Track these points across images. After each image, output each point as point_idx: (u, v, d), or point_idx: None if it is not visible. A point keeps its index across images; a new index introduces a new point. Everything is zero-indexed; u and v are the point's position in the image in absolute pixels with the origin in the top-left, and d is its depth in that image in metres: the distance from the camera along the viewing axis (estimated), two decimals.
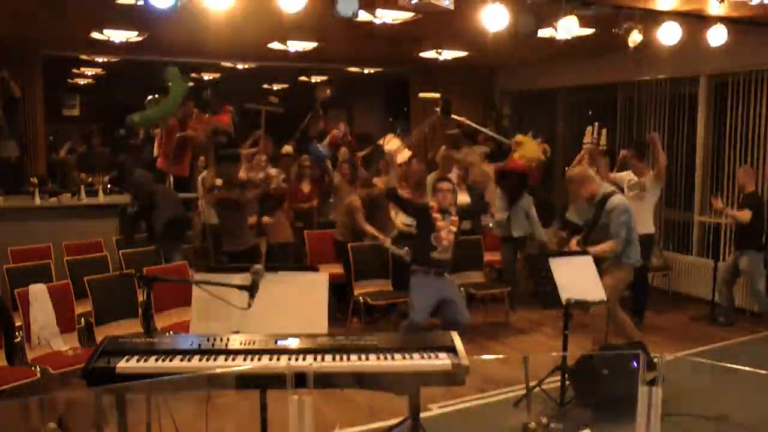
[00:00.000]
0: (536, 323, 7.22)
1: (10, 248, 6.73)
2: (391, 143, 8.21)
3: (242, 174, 7.35)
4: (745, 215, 6.91)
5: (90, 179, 8.88)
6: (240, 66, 10.72)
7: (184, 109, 8.64)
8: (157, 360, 3.19)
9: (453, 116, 8.46)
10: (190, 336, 3.55)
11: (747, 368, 3.46)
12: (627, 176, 7.11)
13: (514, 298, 7.43)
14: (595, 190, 5.60)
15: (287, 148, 8.92)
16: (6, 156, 8.55)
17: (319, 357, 3.24)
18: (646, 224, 7.00)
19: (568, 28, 5.61)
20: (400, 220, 7.28)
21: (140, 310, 5.36)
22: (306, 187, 8.17)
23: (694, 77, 8.27)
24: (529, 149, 7.77)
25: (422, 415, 4.20)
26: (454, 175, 7.37)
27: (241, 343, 3.35)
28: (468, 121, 8.60)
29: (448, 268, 6.14)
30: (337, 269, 7.21)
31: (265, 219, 7.22)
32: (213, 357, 3.23)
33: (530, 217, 7.48)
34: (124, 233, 7.62)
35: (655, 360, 3.30)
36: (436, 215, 5.96)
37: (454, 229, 6.02)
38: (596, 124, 7.39)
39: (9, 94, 8.46)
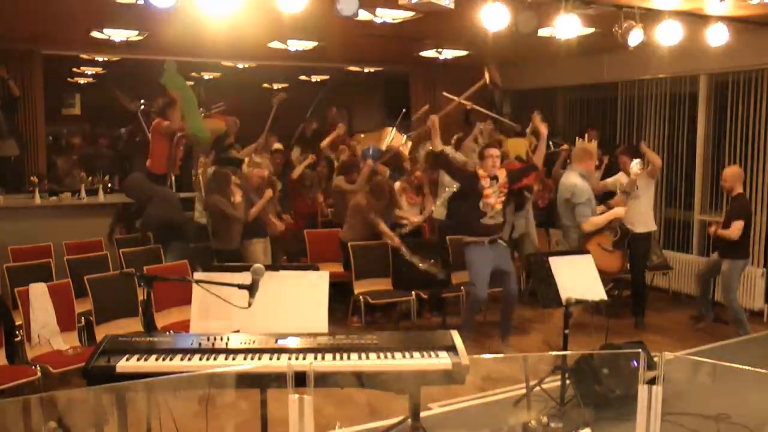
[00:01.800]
0: (536, 322, 7.22)
1: (10, 247, 6.73)
2: (391, 136, 8.06)
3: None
4: (735, 232, 6.47)
5: (90, 178, 8.89)
6: (240, 65, 10.72)
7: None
8: (157, 359, 3.19)
9: (453, 97, 8.23)
10: (191, 335, 3.55)
11: (747, 367, 3.46)
12: (619, 180, 7.11)
13: None
14: None
15: (277, 145, 8.90)
16: (6, 155, 8.55)
17: (319, 356, 3.25)
18: (645, 222, 7.01)
19: (568, 27, 5.61)
20: (440, 200, 7.28)
21: (140, 309, 5.38)
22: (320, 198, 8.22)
23: (694, 76, 8.27)
24: (513, 148, 7.71)
25: (422, 414, 4.20)
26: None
27: (241, 343, 3.35)
28: (473, 105, 8.39)
29: (500, 233, 6.16)
30: (338, 268, 7.21)
31: (273, 221, 7.17)
32: (213, 356, 3.24)
33: (528, 219, 7.50)
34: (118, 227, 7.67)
35: (655, 359, 3.30)
36: (484, 182, 5.93)
37: (503, 192, 6.03)
38: (588, 129, 7.41)
39: (8, 94, 8.46)
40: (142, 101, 9.25)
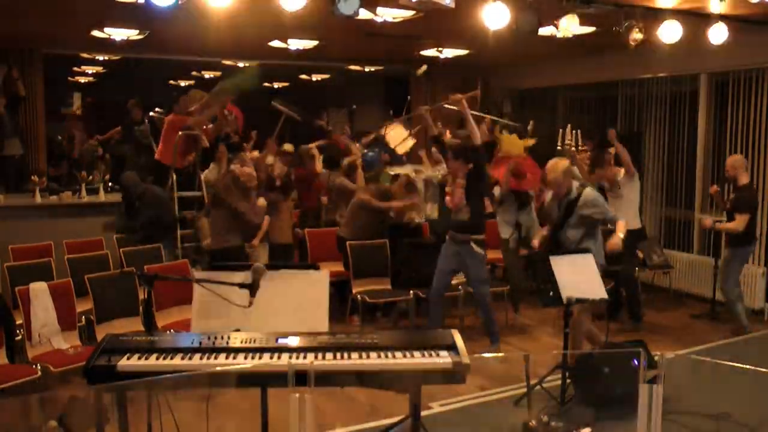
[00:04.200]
0: (537, 322, 7.22)
1: (11, 246, 6.73)
2: (395, 131, 8.04)
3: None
4: (740, 224, 6.47)
5: (91, 177, 8.89)
6: (240, 64, 10.72)
7: (185, 102, 8.58)
8: (157, 358, 3.19)
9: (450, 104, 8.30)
10: (191, 334, 3.55)
11: (748, 366, 3.46)
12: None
13: (515, 296, 7.41)
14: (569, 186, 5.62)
15: (287, 147, 8.90)
16: (9, 154, 8.56)
17: (319, 355, 3.24)
18: (628, 221, 6.98)
19: (568, 26, 5.61)
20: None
21: (141, 308, 5.38)
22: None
23: (694, 75, 8.27)
24: (508, 144, 7.66)
25: (423, 413, 4.20)
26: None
27: (241, 342, 3.35)
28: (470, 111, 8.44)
29: (463, 232, 5.93)
30: (338, 267, 7.20)
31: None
32: (214, 355, 3.23)
33: (532, 218, 7.48)
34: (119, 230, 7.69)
35: (656, 358, 3.30)
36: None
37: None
38: (569, 126, 7.41)
39: (13, 93, 8.47)
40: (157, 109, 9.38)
